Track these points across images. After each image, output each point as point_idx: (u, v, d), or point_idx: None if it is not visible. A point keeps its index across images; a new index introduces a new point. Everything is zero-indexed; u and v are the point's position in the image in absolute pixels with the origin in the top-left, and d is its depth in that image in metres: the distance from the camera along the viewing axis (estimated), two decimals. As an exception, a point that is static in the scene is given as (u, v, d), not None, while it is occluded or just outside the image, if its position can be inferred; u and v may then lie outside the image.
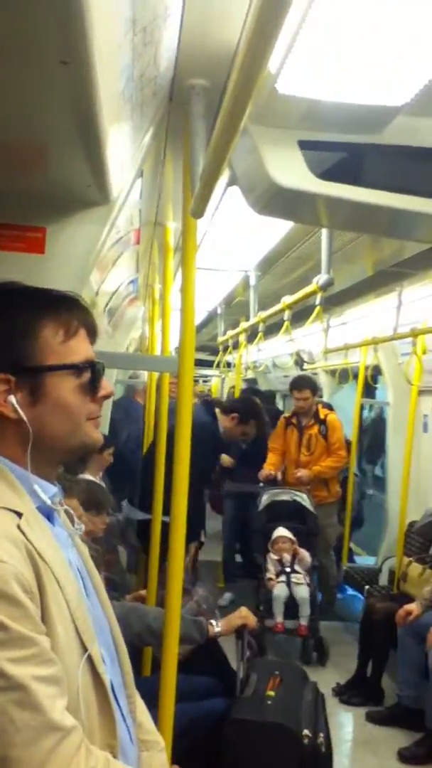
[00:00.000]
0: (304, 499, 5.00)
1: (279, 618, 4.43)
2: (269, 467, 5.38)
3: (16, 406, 1.02)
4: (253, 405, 4.90)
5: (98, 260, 2.16)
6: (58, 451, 1.09)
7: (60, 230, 1.77)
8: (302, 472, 5.16)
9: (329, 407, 5.57)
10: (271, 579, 4.59)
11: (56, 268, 1.79)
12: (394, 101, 1.46)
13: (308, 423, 5.30)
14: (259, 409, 5.01)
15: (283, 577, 4.56)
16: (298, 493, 5.04)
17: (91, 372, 1.08)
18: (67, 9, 0.86)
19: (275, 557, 4.69)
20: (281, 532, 4.75)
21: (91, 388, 1.08)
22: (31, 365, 1.03)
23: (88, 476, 3.42)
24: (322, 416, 5.31)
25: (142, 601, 2.88)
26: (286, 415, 5.59)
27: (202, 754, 2.11)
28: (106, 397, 1.12)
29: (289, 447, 5.38)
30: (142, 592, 2.97)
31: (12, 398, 1.02)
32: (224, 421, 4.45)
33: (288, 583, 4.53)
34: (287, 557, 4.64)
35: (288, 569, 4.60)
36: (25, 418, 1.02)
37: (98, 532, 2.84)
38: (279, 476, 5.41)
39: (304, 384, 5.27)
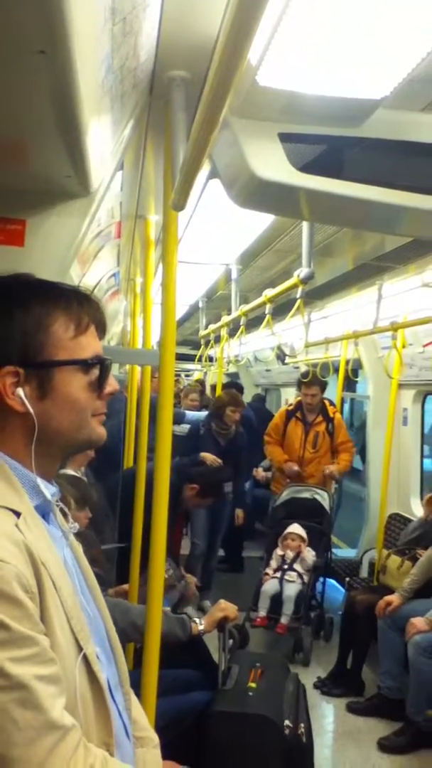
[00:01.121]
0: (324, 498, 5.01)
1: (262, 612, 4.47)
2: (287, 462, 5.31)
3: (24, 399, 1.02)
4: (215, 481, 4.23)
5: (79, 253, 2.15)
6: (62, 446, 1.09)
7: (40, 222, 1.76)
8: (332, 468, 5.19)
9: (332, 404, 5.58)
10: (267, 574, 4.63)
11: (36, 260, 1.78)
12: (373, 94, 1.46)
13: (315, 419, 5.29)
14: (215, 481, 4.33)
15: (278, 573, 4.59)
16: (319, 491, 5.05)
17: (100, 368, 1.08)
18: (45, -3, 0.85)
19: (280, 553, 4.71)
20: (294, 528, 4.77)
21: (99, 385, 1.08)
22: (41, 359, 1.03)
23: (69, 471, 3.40)
24: (331, 414, 5.32)
25: (125, 595, 2.88)
26: (289, 408, 5.57)
27: (185, 747, 2.12)
28: (112, 394, 1.12)
29: (291, 441, 5.34)
30: (125, 586, 2.97)
31: (20, 391, 1.02)
32: (186, 489, 4.00)
33: (281, 580, 4.55)
34: (290, 554, 4.66)
35: (286, 566, 4.62)
36: (32, 411, 1.02)
37: (82, 527, 2.83)
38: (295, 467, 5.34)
39: (314, 380, 5.23)
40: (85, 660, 1.00)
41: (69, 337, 1.05)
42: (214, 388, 9.14)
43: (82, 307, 1.08)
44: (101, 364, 1.08)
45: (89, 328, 1.08)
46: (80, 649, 0.99)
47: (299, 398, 5.52)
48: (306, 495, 5.05)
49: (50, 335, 1.04)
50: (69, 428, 1.06)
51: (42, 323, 1.03)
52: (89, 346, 1.07)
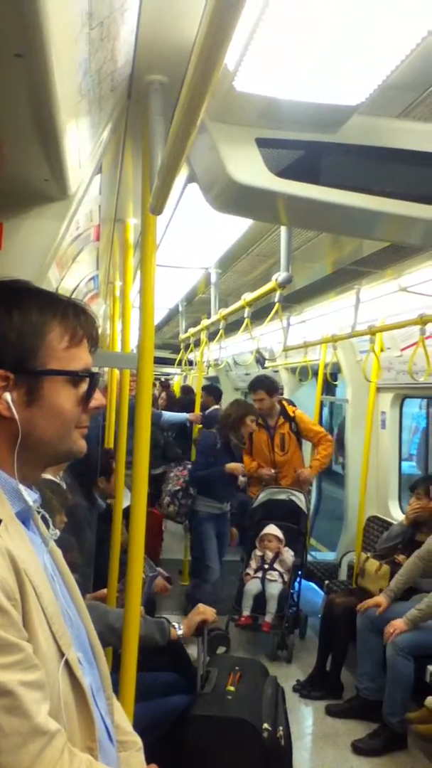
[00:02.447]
0: (300, 499, 5.06)
1: (246, 612, 4.55)
2: (260, 467, 5.33)
3: (11, 404, 1.02)
4: None
5: (57, 256, 2.14)
6: (44, 455, 1.10)
7: (17, 225, 1.75)
8: (305, 473, 5.21)
9: (291, 403, 5.60)
10: (248, 574, 4.70)
11: (14, 263, 1.77)
12: (349, 101, 1.48)
13: (278, 423, 5.31)
14: None
15: (259, 573, 4.65)
16: (295, 492, 5.09)
17: (89, 382, 1.09)
18: (23, 0, 0.85)
19: (259, 553, 4.77)
20: (270, 529, 4.84)
21: (86, 398, 1.09)
22: (33, 366, 1.04)
23: (48, 476, 3.38)
24: (291, 413, 5.34)
25: (103, 600, 2.86)
26: None
27: (165, 751, 2.11)
28: (98, 408, 1.13)
29: (259, 448, 5.35)
30: (103, 591, 2.96)
31: (8, 396, 1.02)
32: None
33: (262, 580, 4.61)
34: (269, 555, 4.72)
35: (266, 566, 4.67)
36: (17, 417, 1.02)
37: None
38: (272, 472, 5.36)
39: (257, 385, 5.24)
40: (68, 665, 1.01)
41: (63, 347, 1.06)
42: (186, 389, 9.16)
43: (78, 319, 1.09)
44: (91, 377, 1.09)
45: (83, 341, 1.09)
46: (62, 654, 1.00)
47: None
48: (282, 496, 5.10)
49: (45, 343, 1.04)
50: (52, 438, 1.06)
51: (38, 330, 1.04)
52: (81, 358, 1.09)
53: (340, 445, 6.39)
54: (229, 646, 4.47)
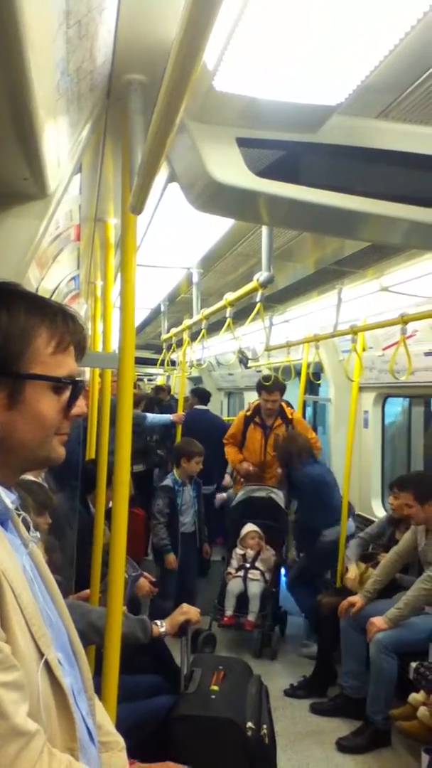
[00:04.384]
0: (279, 497, 5.05)
1: (229, 611, 4.55)
2: (242, 461, 5.34)
3: None
4: None
5: (37, 256, 2.13)
6: (22, 460, 1.08)
7: (-4, 224, 1.74)
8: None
9: (290, 405, 5.61)
10: (229, 573, 4.68)
11: (-8, 263, 1.75)
12: (328, 101, 1.48)
13: (275, 423, 5.30)
14: None
15: (241, 572, 4.64)
16: (274, 490, 5.09)
17: (72, 389, 1.08)
18: (-3, -2, 0.84)
19: (240, 552, 4.75)
20: (251, 527, 4.83)
21: (68, 405, 1.08)
22: (17, 369, 1.03)
23: (29, 476, 3.36)
24: (289, 415, 5.34)
25: (86, 600, 2.85)
26: (247, 413, 5.57)
27: (149, 751, 2.11)
28: (79, 416, 1.12)
29: (252, 445, 5.35)
30: (86, 591, 2.95)
31: None
32: None
33: (244, 579, 4.61)
34: (251, 553, 4.71)
35: (248, 565, 4.67)
36: None
37: (41, 533, 2.80)
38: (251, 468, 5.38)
39: (275, 387, 5.23)
40: (47, 666, 1.00)
41: (48, 352, 1.05)
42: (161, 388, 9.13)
43: (67, 326, 1.08)
44: (74, 385, 1.08)
45: (69, 348, 1.09)
46: (41, 655, 0.99)
47: (257, 403, 5.53)
48: (261, 494, 5.11)
49: (30, 347, 1.04)
50: (31, 442, 1.05)
51: (25, 333, 1.03)
52: (66, 365, 1.08)
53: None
54: (215, 646, 4.46)
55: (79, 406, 1.11)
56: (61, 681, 1.02)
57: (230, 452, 5.47)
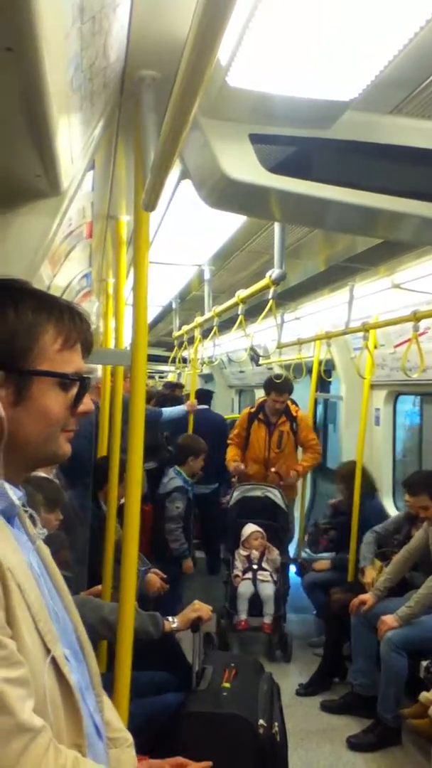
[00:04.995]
0: (276, 495, 5.00)
1: (243, 615, 4.45)
2: (234, 461, 5.33)
3: None
4: None
5: (50, 253, 2.13)
6: (28, 456, 1.08)
7: (9, 221, 1.74)
8: (293, 473, 5.23)
9: (295, 403, 5.60)
10: (237, 576, 4.60)
11: (4, 260, 1.76)
12: (342, 96, 1.48)
13: (279, 420, 5.29)
14: None
15: (249, 574, 4.58)
16: (270, 489, 5.04)
17: (79, 386, 1.09)
18: (12, -6, 0.85)
19: (244, 554, 4.69)
20: (253, 527, 4.77)
21: (74, 402, 1.09)
22: (24, 366, 1.03)
23: (41, 473, 3.38)
24: (294, 413, 5.33)
25: (98, 596, 2.86)
26: (251, 410, 5.56)
27: (159, 748, 2.12)
28: (85, 413, 1.12)
29: (257, 443, 5.33)
30: (98, 587, 2.96)
31: None
32: None
33: (254, 581, 4.55)
34: (256, 554, 4.65)
35: (255, 566, 4.62)
36: (3, 416, 1.01)
37: (51, 529, 2.81)
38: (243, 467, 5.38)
39: (285, 388, 5.21)
40: (54, 662, 1.00)
41: (55, 349, 1.05)
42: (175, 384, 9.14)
43: (74, 323, 1.08)
44: (81, 382, 1.09)
45: (76, 345, 1.09)
46: (48, 651, 0.99)
47: (261, 400, 5.51)
48: (257, 493, 5.03)
49: (37, 344, 1.04)
50: (37, 439, 1.06)
51: (32, 330, 1.04)
52: (73, 362, 1.08)
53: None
54: (215, 647, 4.42)
55: (85, 403, 1.11)
56: (68, 677, 1.02)
57: (229, 452, 5.46)
